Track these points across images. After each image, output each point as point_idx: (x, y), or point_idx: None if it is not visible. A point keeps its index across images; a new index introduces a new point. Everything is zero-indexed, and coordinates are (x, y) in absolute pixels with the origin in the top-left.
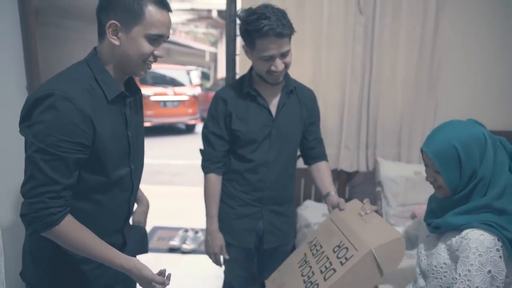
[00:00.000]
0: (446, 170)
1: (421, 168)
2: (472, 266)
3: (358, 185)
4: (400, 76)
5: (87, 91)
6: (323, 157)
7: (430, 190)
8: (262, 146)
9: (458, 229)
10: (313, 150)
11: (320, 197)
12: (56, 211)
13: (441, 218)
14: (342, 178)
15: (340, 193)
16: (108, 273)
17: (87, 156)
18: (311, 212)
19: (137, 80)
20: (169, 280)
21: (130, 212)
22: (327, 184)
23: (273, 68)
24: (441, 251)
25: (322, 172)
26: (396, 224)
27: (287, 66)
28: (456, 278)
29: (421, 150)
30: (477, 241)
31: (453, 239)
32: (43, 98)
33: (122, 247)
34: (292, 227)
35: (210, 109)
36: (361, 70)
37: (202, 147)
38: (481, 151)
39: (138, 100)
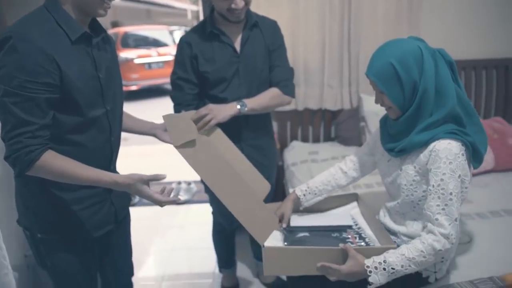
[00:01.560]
0: (389, 88)
1: None
2: (444, 175)
3: (343, 122)
4: (380, 11)
5: (48, 33)
6: (277, 84)
7: None
8: (232, 84)
9: (424, 145)
10: (271, 77)
11: (306, 137)
12: (34, 148)
13: (405, 141)
14: (327, 117)
15: (326, 131)
16: (99, 214)
17: (58, 95)
18: (297, 152)
19: (118, 43)
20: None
21: (113, 154)
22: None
23: (233, 5)
24: (409, 170)
25: (263, 93)
26: None
27: (247, 3)
28: (430, 190)
29: (366, 75)
30: (446, 150)
31: (421, 155)
32: (3, 42)
33: (108, 191)
34: (273, 161)
35: (176, 55)
36: (339, 8)
37: (172, 94)
38: (418, 63)
39: (108, 42)
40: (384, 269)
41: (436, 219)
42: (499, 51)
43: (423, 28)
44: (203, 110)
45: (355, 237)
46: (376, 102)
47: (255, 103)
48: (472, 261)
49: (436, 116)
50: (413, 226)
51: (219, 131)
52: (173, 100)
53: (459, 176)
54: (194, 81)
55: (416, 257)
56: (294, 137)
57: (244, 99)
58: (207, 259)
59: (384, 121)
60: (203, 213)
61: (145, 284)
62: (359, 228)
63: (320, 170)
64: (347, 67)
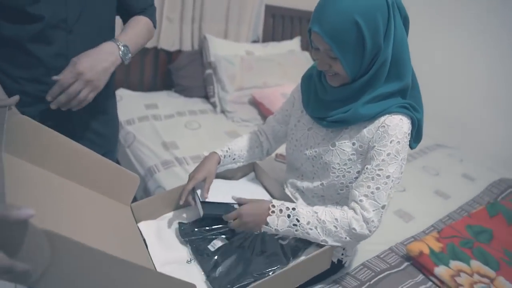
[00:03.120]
0: (347, 55)
1: (253, 48)
2: (388, 156)
3: (183, 67)
4: None
5: None
6: (143, 11)
7: (268, 72)
8: None
9: (372, 118)
10: (131, 2)
11: (134, 84)
12: None
13: (345, 110)
14: (162, 59)
15: (160, 77)
16: None
17: None
18: (129, 104)
19: None
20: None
21: None
22: (123, 34)
23: None
24: (345, 147)
25: (131, 22)
26: (234, 111)
27: None
28: (366, 168)
29: (309, 30)
30: (397, 127)
31: (364, 130)
32: None
33: None
34: (115, 127)
35: None
36: None
37: None
38: (384, 22)
39: None
40: (289, 216)
41: (360, 200)
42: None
43: None
44: (69, 76)
45: None
46: (321, 67)
47: (133, 42)
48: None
49: (387, 88)
50: None
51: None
52: None
53: (402, 159)
54: None
55: (328, 223)
56: (119, 83)
57: (121, 37)
58: None
59: (308, 80)
60: None
61: None
62: None
63: (168, 129)
64: None
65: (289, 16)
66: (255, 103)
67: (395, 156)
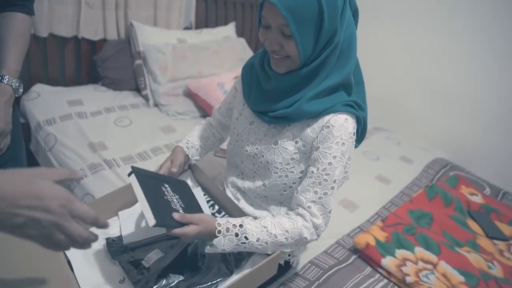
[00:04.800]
0: (303, 32)
1: (186, 35)
2: (334, 159)
3: (109, 58)
4: None
5: None
6: (23, 5)
7: (203, 60)
8: None
9: (315, 116)
10: None
11: (54, 78)
12: None
13: (292, 105)
14: (84, 50)
15: (84, 70)
16: None
17: None
18: (49, 101)
19: None
20: None
21: None
22: (9, 57)
23: None
24: (288, 145)
25: (12, 30)
26: (169, 104)
27: None
28: (312, 172)
29: (261, 4)
30: (341, 128)
31: (308, 129)
32: None
33: None
34: (18, 128)
35: None
36: None
37: None
38: (341, 5)
39: None
40: (237, 234)
41: (309, 207)
42: None
43: None
44: None
45: None
46: (271, 48)
47: (18, 62)
48: None
49: (331, 80)
50: (280, 212)
51: None
52: None
53: (348, 159)
54: None
55: (278, 236)
56: (35, 78)
57: (10, 70)
58: None
59: (249, 69)
60: None
61: None
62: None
63: (95, 128)
64: None
65: (223, 0)
66: (190, 95)
67: (340, 158)
